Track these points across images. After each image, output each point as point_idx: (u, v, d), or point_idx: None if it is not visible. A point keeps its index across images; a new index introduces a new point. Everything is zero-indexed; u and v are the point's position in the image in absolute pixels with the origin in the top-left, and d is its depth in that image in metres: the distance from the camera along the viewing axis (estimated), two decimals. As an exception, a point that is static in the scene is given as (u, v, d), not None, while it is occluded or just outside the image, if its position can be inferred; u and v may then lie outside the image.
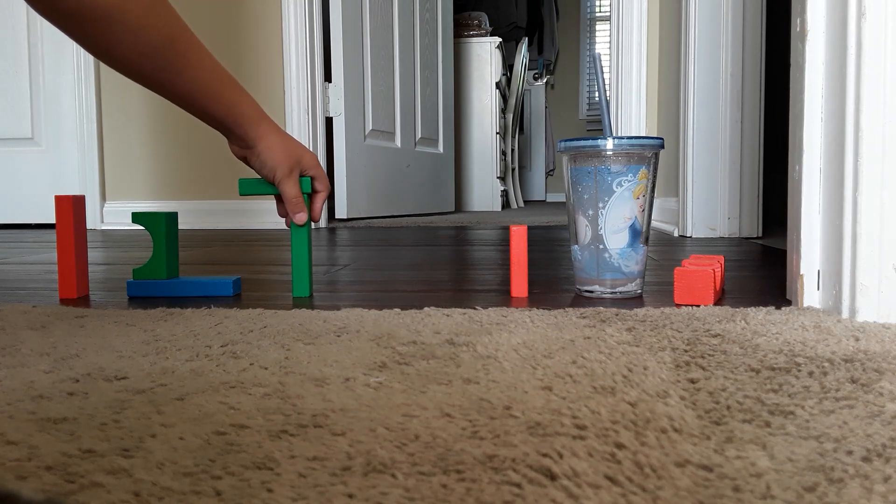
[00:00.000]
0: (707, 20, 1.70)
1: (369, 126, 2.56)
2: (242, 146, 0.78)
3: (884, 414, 0.37)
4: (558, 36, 5.66)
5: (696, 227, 1.73)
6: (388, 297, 0.82)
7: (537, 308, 0.70)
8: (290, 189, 0.78)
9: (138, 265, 0.85)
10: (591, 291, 0.80)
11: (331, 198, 2.43)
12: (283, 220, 0.84)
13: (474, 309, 0.69)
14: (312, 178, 0.81)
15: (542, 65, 5.44)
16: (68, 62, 2.35)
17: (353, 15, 2.43)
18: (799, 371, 0.46)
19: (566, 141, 0.78)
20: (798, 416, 0.37)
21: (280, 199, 0.82)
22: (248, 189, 0.81)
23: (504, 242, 1.60)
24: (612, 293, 0.79)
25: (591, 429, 0.35)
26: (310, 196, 0.81)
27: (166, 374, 0.48)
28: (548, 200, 5.63)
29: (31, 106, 2.38)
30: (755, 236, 1.71)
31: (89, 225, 2.34)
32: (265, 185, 0.80)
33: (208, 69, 0.72)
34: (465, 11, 3.94)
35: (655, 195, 2.08)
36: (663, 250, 1.38)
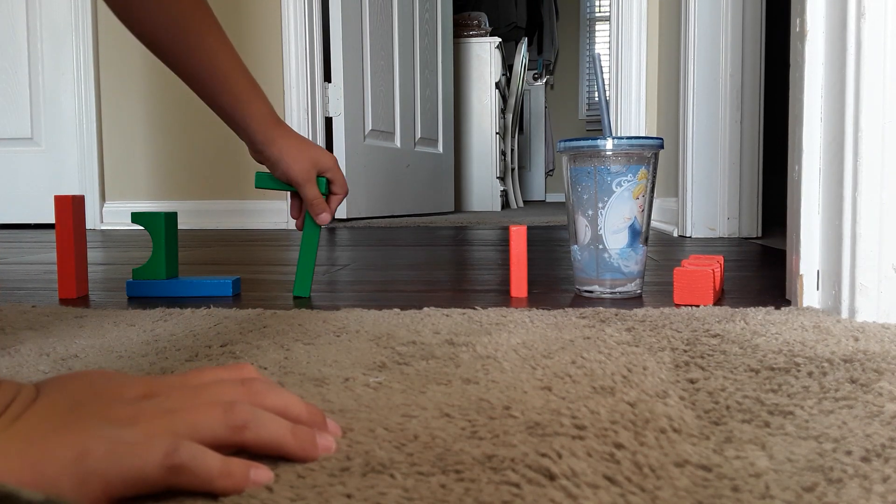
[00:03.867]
0: (707, 20, 1.70)
1: (369, 126, 2.56)
2: (254, 149, 0.77)
3: (883, 414, 0.37)
4: (558, 36, 5.66)
5: (695, 227, 1.73)
6: (388, 297, 0.82)
7: (537, 308, 0.70)
8: (310, 191, 0.78)
9: (138, 265, 0.85)
10: (591, 291, 0.80)
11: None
12: (295, 220, 0.83)
13: (474, 309, 0.69)
14: (330, 181, 0.80)
15: (542, 65, 5.44)
16: (68, 62, 2.35)
17: (352, 15, 2.43)
18: (798, 371, 0.46)
19: (566, 141, 0.78)
20: (797, 417, 0.37)
21: (294, 198, 0.82)
22: (263, 182, 0.80)
23: (504, 242, 1.60)
24: (611, 293, 0.79)
25: (591, 429, 0.35)
26: (326, 197, 0.81)
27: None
28: (547, 200, 5.63)
29: (31, 106, 2.38)
30: (755, 236, 1.71)
31: (89, 225, 2.34)
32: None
33: (225, 59, 0.72)
34: (465, 11, 3.94)
35: (655, 195, 2.08)
36: (663, 250, 1.38)
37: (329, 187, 0.81)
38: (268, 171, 0.80)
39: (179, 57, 0.71)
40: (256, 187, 0.81)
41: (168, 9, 0.68)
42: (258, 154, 0.78)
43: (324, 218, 0.79)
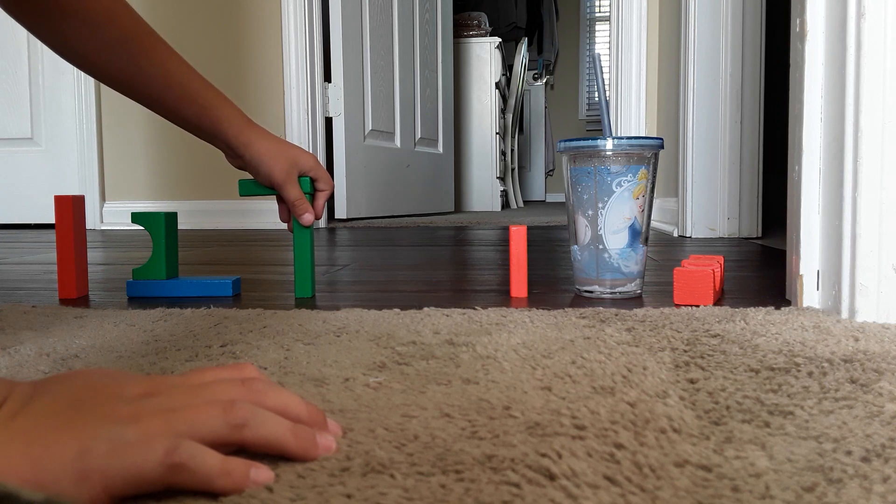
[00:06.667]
0: (707, 20, 1.70)
1: (369, 126, 2.56)
2: (231, 155, 0.77)
3: (883, 414, 0.37)
4: (558, 36, 5.66)
5: (695, 227, 1.73)
6: (388, 297, 0.82)
7: (537, 308, 0.70)
8: (291, 192, 0.78)
9: (138, 265, 0.85)
10: (591, 292, 0.80)
11: (330, 198, 2.43)
12: (286, 223, 0.83)
13: (474, 309, 0.69)
14: (314, 179, 0.80)
15: (542, 65, 5.44)
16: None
17: (352, 15, 2.43)
18: (798, 371, 0.46)
19: (566, 141, 0.78)
20: (797, 417, 0.37)
21: (281, 202, 0.81)
22: (247, 190, 0.80)
23: (504, 242, 1.60)
24: (611, 293, 0.79)
25: (591, 429, 0.35)
26: (311, 195, 0.81)
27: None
28: (547, 200, 5.63)
29: (31, 106, 2.38)
30: (755, 236, 1.71)
31: (89, 225, 2.34)
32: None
33: (177, 72, 0.71)
34: (465, 11, 3.94)
35: (655, 195, 2.08)
36: (663, 250, 1.38)
37: (314, 185, 0.80)
38: (250, 178, 0.80)
39: (130, 81, 0.70)
40: (241, 195, 0.81)
41: (107, 36, 0.67)
42: (236, 159, 0.77)
43: (307, 219, 0.79)
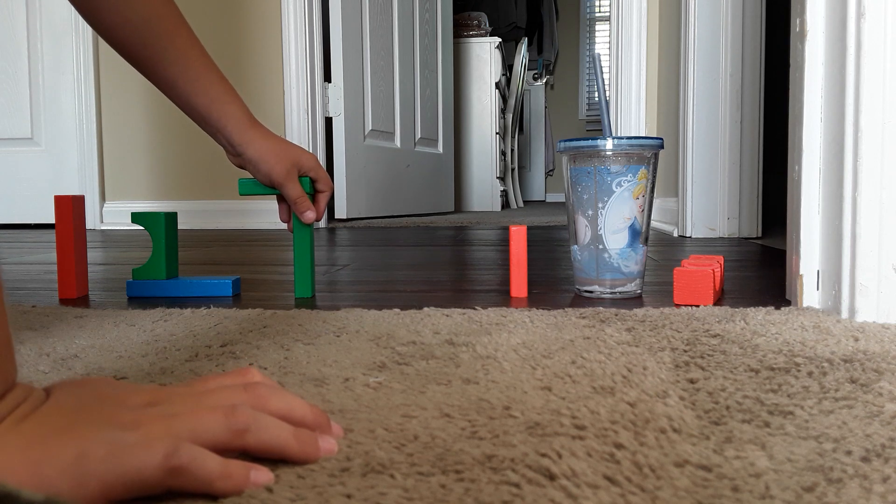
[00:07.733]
0: (707, 20, 1.70)
1: (369, 126, 2.56)
2: (232, 153, 0.77)
3: (883, 414, 0.37)
4: (558, 36, 5.66)
5: (695, 227, 1.73)
6: (388, 297, 0.82)
7: (537, 308, 0.70)
8: (292, 190, 0.78)
9: (138, 265, 0.85)
10: (591, 292, 0.80)
11: (330, 198, 2.43)
12: (286, 223, 0.83)
13: (474, 309, 0.69)
14: (314, 179, 0.80)
15: (542, 65, 5.44)
16: (68, 62, 2.35)
17: (352, 15, 2.43)
18: (798, 371, 0.46)
19: (566, 141, 0.78)
20: (797, 417, 0.37)
21: (281, 201, 0.81)
22: (248, 189, 0.80)
23: (504, 242, 1.60)
24: (611, 293, 0.79)
25: (591, 429, 0.35)
26: (312, 196, 0.81)
27: (165, 374, 0.48)
28: (547, 200, 5.63)
29: (31, 106, 2.38)
30: (755, 236, 1.71)
31: (89, 225, 2.34)
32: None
33: (196, 60, 0.72)
34: (465, 11, 3.94)
35: (655, 195, 2.08)
36: (663, 250, 1.38)
37: (314, 185, 0.80)
38: (251, 177, 0.80)
39: (149, 60, 0.70)
40: (241, 194, 0.81)
41: (137, 11, 0.67)
42: (237, 157, 0.77)
43: (309, 216, 0.79)
